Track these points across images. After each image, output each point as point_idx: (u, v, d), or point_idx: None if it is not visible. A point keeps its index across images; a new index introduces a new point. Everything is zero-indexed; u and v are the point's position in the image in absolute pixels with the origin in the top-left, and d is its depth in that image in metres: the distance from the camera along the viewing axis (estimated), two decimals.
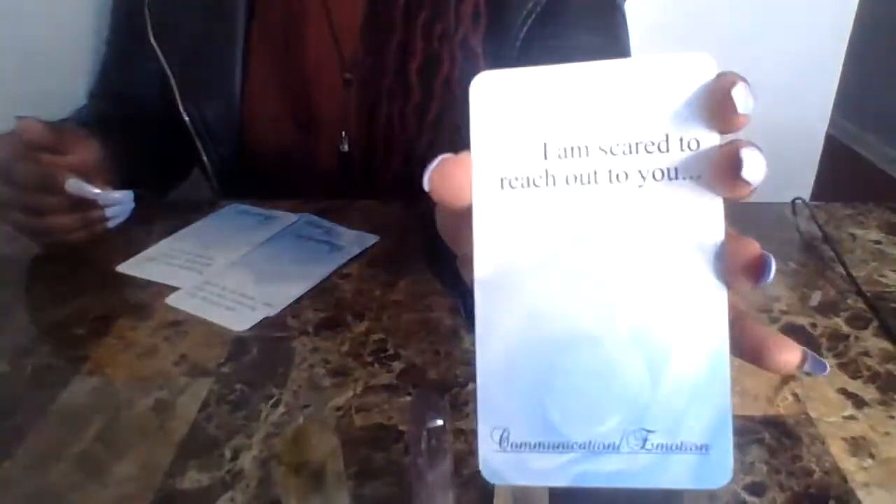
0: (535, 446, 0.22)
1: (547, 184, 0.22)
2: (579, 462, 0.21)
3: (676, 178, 0.21)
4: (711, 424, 0.21)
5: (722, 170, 0.20)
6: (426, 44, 0.68)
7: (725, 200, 0.21)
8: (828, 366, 0.23)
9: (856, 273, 0.58)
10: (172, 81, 0.73)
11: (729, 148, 0.20)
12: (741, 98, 0.20)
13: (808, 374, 0.22)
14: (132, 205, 0.61)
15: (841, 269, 0.59)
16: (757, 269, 0.20)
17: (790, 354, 0.22)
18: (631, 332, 0.21)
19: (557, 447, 0.22)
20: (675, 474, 0.21)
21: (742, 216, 0.21)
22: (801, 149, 1.18)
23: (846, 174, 2.45)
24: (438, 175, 0.22)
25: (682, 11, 1.08)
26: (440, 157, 0.22)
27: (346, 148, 0.73)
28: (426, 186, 0.22)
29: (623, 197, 0.21)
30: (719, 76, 0.21)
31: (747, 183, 0.20)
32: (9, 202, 0.57)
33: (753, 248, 0.20)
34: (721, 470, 0.21)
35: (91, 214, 0.59)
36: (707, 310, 0.21)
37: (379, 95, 0.70)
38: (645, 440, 0.21)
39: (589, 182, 0.21)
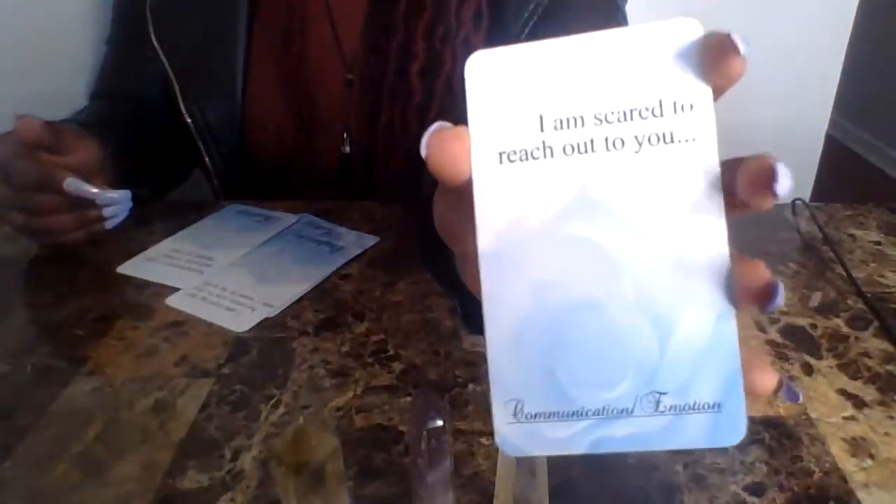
0: (549, 416, 0.22)
1: (545, 155, 0.22)
2: (594, 429, 0.22)
3: (672, 141, 0.21)
4: (722, 382, 0.21)
5: (752, 181, 0.20)
6: (428, 45, 0.68)
7: (744, 210, 0.21)
8: (801, 396, 0.23)
9: (856, 274, 0.58)
10: (174, 82, 0.73)
11: (762, 161, 0.20)
12: (740, 39, 0.20)
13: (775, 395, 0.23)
14: (130, 204, 0.61)
15: (841, 270, 0.59)
16: (766, 295, 0.20)
17: (768, 378, 0.22)
18: (636, 297, 0.21)
19: (572, 415, 0.22)
20: (690, 434, 0.21)
21: (742, 217, 0.21)
22: (801, 149, 1.19)
23: (846, 174, 2.46)
24: (436, 142, 0.22)
25: (682, 12, 1.07)
26: (438, 124, 0.22)
27: (347, 149, 0.73)
28: (423, 151, 0.22)
29: (621, 163, 0.21)
30: (707, 35, 0.21)
31: (777, 195, 0.20)
32: (7, 202, 0.57)
33: (762, 273, 0.20)
34: (735, 427, 0.21)
35: (89, 214, 0.59)
36: (710, 269, 0.21)
37: (380, 96, 0.70)
38: (658, 402, 0.21)
39: (586, 151, 0.21)
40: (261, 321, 0.53)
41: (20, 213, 0.58)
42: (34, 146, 0.56)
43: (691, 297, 0.21)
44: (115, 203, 0.60)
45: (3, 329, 0.54)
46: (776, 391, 0.22)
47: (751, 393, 0.21)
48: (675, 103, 0.21)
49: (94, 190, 0.58)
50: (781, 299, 0.20)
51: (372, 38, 0.70)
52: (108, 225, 0.61)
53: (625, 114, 0.21)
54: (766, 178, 0.20)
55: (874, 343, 0.51)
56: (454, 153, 0.22)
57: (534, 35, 0.68)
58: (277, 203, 0.70)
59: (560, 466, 0.40)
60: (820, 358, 0.50)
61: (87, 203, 0.58)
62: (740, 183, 0.21)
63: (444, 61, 0.68)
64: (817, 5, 1.11)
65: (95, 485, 0.40)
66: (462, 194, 0.23)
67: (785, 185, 0.20)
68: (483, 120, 0.22)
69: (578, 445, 0.22)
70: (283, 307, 0.55)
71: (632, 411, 0.21)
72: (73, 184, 0.56)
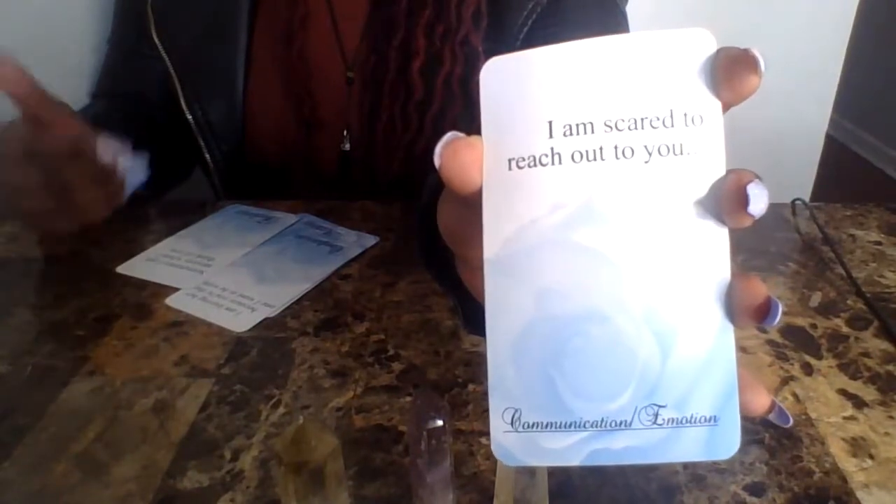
0: (546, 426, 0.22)
1: (553, 162, 0.21)
2: (591, 441, 0.21)
3: (681, 153, 0.21)
4: (719, 396, 0.21)
5: (729, 204, 0.20)
6: (428, 43, 0.68)
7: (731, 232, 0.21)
8: (791, 419, 0.23)
9: (856, 274, 0.58)
10: (176, 80, 0.73)
11: (735, 183, 0.20)
12: (759, 56, 0.20)
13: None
14: (145, 173, 0.55)
15: (841, 270, 0.59)
16: (763, 312, 0.20)
17: (761, 399, 0.22)
18: (641, 308, 0.21)
19: (569, 426, 0.22)
20: (686, 447, 0.21)
21: None
22: (801, 149, 1.19)
23: (846, 174, 2.45)
24: (450, 152, 0.22)
25: (682, 12, 1.08)
26: (451, 134, 0.22)
27: (347, 146, 0.74)
28: (436, 162, 0.22)
29: (629, 173, 0.21)
30: (723, 49, 0.21)
31: (753, 217, 0.20)
32: (33, 184, 0.50)
33: (760, 290, 0.20)
34: (729, 441, 0.21)
35: (113, 184, 0.53)
36: (712, 282, 0.21)
37: (381, 94, 0.70)
38: (656, 415, 0.21)
39: (595, 159, 0.21)
40: (261, 321, 0.53)
41: (49, 194, 0.51)
42: (22, 98, 0.50)
43: (693, 309, 0.21)
44: (133, 170, 0.54)
45: (3, 329, 0.54)
46: (768, 412, 0.23)
47: (743, 413, 0.21)
48: (685, 115, 0.21)
49: (125, 155, 0.52)
50: (778, 317, 0.20)
51: (374, 37, 0.70)
52: (126, 195, 0.55)
53: (635, 122, 0.21)
54: (740, 199, 0.20)
55: (874, 343, 0.51)
56: (466, 163, 0.22)
57: (533, 33, 0.68)
58: (277, 203, 0.70)
59: (560, 467, 0.40)
60: (820, 358, 0.50)
61: (109, 174, 0.52)
62: (717, 201, 0.21)
63: (443, 60, 0.68)
64: (817, 5, 1.11)
65: (95, 485, 0.40)
66: (469, 200, 0.22)
67: (759, 207, 0.20)
68: (494, 126, 0.22)
69: (575, 457, 0.22)
70: (283, 307, 0.55)
71: (630, 424, 0.21)
72: (104, 145, 0.50)
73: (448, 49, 0.68)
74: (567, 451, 0.22)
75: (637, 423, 0.21)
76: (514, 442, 0.22)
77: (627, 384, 0.21)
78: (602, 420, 0.21)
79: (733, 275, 0.21)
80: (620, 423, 0.21)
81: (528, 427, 0.22)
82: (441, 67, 0.68)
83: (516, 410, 0.22)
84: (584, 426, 0.21)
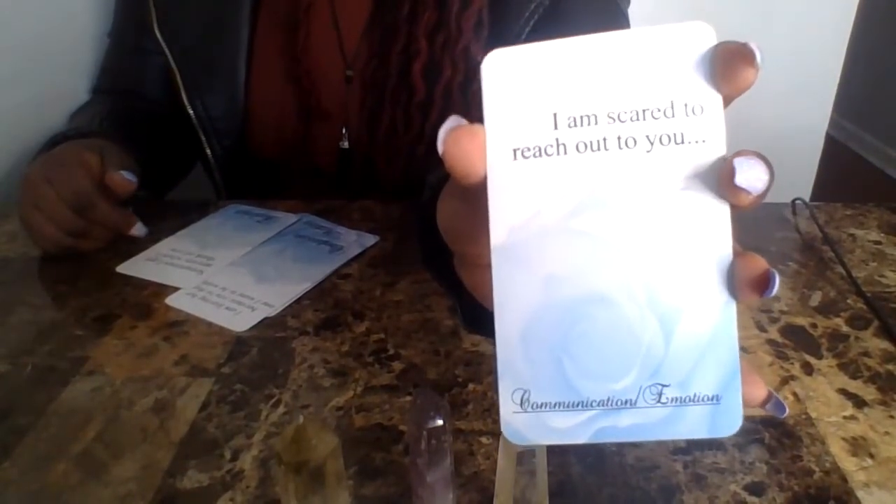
0: (554, 406, 0.22)
1: (558, 153, 0.22)
2: (598, 419, 0.22)
3: (683, 142, 0.21)
4: (721, 376, 0.22)
5: (721, 178, 0.21)
6: (430, 46, 0.68)
7: (733, 209, 0.21)
8: (787, 410, 0.24)
9: (856, 273, 0.58)
10: (177, 75, 0.73)
11: (729, 160, 0.21)
12: (756, 49, 0.20)
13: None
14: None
15: (841, 270, 0.59)
16: (763, 284, 0.21)
17: (757, 390, 0.23)
18: (645, 292, 0.22)
19: (577, 405, 0.22)
20: (690, 425, 0.22)
21: (742, 217, 0.21)
22: (801, 149, 1.18)
23: (846, 174, 2.46)
24: (452, 139, 0.22)
25: (682, 13, 1.08)
26: (454, 119, 0.22)
27: (346, 144, 0.73)
28: (440, 148, 0.22)
29: (632, 162, 0.22)
30: (722, 43, 0.21)
31: (745, 191, 0.20)
32: (70, 227, 0.60)
33: (760, 263, 0.21)
34: (732, 419, 0.22)
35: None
36: (714, 264, 0.22)
37: (382, 98, 0.70)
38: (660, 394, 0.22)
39: (598, 149, 0.22)
40: (261, 321, 0.53)
41: (74, 236, 0.61)
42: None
43: (696, 292, 0.22)
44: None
45: (3, 329, 0.54)
46: (764, 404, 0.23)
47: None
48: (686, 105, 0.21)
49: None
50: (776, 287, 0.21)
51: (374, 41, 0.70)
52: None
53: (637, 114, 0.22)
54: (728, 173, 0.20)
55: (874, 343, 0.51)
56: (469, 150, 0.22)
57: (534, 37, 0.68)
58: (277, 203, 0.70)
59: (560, 466, 0.40)
60: (820, 358, 0.50)
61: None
62: (718, 182, 0.21)
63: (443, 68, 0.68)
64: (817, 5, 1.11)
65: (95, 485, 0.40)
66: (469, 195, 0.23)
67: (745, 179, 0.20)
68: (498, 116, 0.23)
69: (582, 435, 0.22)
70: (283, 307, 0.55)
71: (635, 402, 0.22)
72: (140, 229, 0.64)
73: (448, 57, 0.68)
74: (574, 429, 0.22)
75: (642, 401, 0.22)
76: (523, 422, 0.23)
77: (632, 364, 0.22)
78: (608, 399, 0.22)
79: (734, 252, 0.21)
80: (626, 402, 0.22)
81: (537, 407, 0.23)
82: (441, 75, 0.68)
83: (525, 391, 0.23)
84: (591, 405, 0.22)
